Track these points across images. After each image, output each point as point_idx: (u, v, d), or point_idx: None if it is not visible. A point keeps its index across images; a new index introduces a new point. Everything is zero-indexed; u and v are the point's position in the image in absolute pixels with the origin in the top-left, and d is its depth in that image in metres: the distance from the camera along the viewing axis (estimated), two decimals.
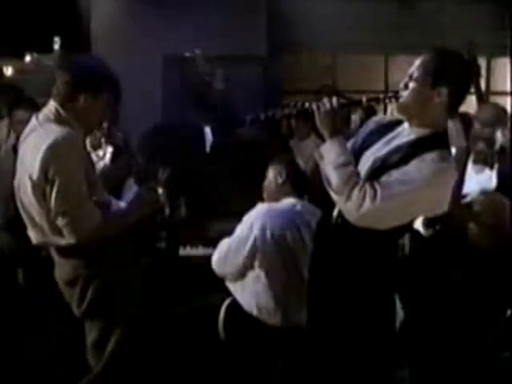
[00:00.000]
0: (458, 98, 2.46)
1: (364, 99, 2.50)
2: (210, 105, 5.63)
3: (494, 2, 6.13)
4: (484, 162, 3.61)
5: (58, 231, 2.62)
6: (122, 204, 2.97)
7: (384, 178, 2.36)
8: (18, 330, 3.87)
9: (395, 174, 2.36)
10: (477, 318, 3.25)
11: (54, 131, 2.60)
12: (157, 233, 3.99)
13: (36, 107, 4.25)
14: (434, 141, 2.42)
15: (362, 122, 3.83)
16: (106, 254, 2.69)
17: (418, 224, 3.44)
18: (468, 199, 3.39)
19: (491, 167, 3.62)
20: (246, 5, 6.06)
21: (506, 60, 6.33)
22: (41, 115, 2.70)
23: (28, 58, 6.04)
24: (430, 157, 2.36)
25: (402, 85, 2.47)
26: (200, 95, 5.68)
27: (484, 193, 3.42)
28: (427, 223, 3.47)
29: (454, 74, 2.42)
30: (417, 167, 2.35)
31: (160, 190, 2.97)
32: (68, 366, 3.38)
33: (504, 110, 3.88)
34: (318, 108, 2.44)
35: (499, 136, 3.60)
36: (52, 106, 2.68)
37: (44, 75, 5.85)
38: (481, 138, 3.57)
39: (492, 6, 6.17)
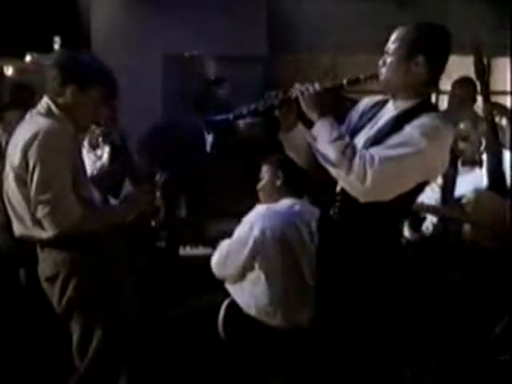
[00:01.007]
0: (437, 66, 2.44)
1: (345, 81, 2.46)
2: (211, 104, 5.63)
3: (494, 1, 6.13)
4: (472, 161, 3.63)
5: (39, 223, 2.63)
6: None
7: (378, 147, 2.33)
8: (18, 330, 3.87)
9: (389, 141, 2.34)
10: (477, 319, 3.25)
11: (40, 123, 2.64)
12: (157, 233, 3.99)
13: (26, 108, 4.28)
14: (419, 109, 2.41)
15: None
16: (89, 251, 2.68)
17: (404, 229, 3.45)
18: (464, 201, 3.41)
19: (480, 166, 3.65)
20: (246, 5, 6.05)
21: (507, 60, 6.33)
22: (34, 110, 2.74)
23: (28, 58, 6.03)
24: (419, 120, 2.35)
25: (380, 62, 2.47)
26: (200, 95, 5.68)
27: (477, 192, 3.44)
28: (413, 227, 3.49)
29: (428, 42, 2.41)
30: (410, 129, 2.33)
31: (157, 193, 2.97)
32: (69, 365, 3.37)
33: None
34: (302, 93, 2.41)
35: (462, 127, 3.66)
36: (44, 101, 2.72)
37: (44, 75, 5.86)
38: (459, 138, 3.61)
39: (492, 5, 6.17)
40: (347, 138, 2.36)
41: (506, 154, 3.72)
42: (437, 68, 2.45)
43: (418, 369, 3.35)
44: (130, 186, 3.56)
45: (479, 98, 4.70)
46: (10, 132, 4.20)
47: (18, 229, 2.74)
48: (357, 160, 2.27)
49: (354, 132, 2.53)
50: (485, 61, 3.97)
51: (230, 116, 2.50)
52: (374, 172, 2.24)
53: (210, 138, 4.96)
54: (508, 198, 3.43)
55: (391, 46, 2.44)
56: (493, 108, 3.86)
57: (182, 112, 5.72)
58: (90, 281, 2.69)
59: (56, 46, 5.96)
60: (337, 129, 2.37)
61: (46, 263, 2.72)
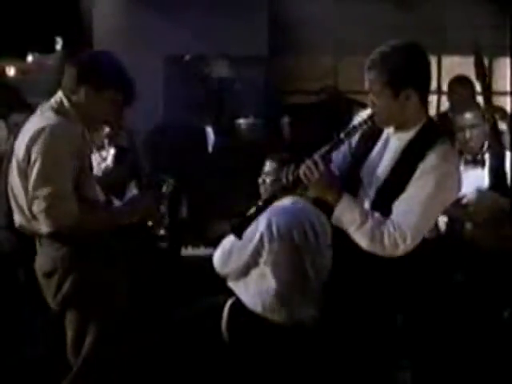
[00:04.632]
0: (425, 88, 2.43)
1: (342, 135, 2.44)
2: (212, 104, 5.64)
3: (494, 1, 6.12)
4: (475, 160, 3.63)
5: (36, 218, 2.62)
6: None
7: (400, 210, 2.37)
8: (17, 329, 3.88)
9: (407, 201, 2.37)
10: (478, 319, 3.26)
11: (49, 118, 2.63)
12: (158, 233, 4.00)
13: (30, 108, 4.29)
14: (424, 137, 2.41)
15: None
16: (87, 249, 2.68)
17: None
18: (464, 200, 3.41)
19: (482, 166, 3.64)
20: (247, 5, 6.05)
21: (507, 60, 6.34)
22: (46, 104, 2.73)
23: (30, 58, 6.05)
24: (430, 162, 2.36)
25: (369, 103, 2.44)
26: (201, 95, 5.69)
27: (479, 192, 3.44)
28: None
29: (411, 71, 2.37)
30: (423, 182, 2.35)
31: (162, 206, 3.00)
32: (67, 364, 3.38)
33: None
34: (309, 179, 2.39)
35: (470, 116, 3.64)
36: (58, 96, 2.72)
37: (46, 75, 5.87)
38: (466, 126, 3.60)
39: (493, 5, 6.16)
40: (370, 220, 2.37)
41: (507, 154, 3.72)
42: (426, 89, 2.44)
43: (419, 370, 3.36)
44: (135, 190, 3.57)
45: (480, 99, 4.73)
46: (16, 133, 4.23)
47: (18, 219, 2.75)
48: (386, 242, 2.35)
49: (358, 157, 2.54)
50: (486, 62, 3.97)
51: (253, 214, 2.52)
52: (407, 246, 2.35)
53: (211, 139, 4.97)
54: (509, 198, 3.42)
55: (373, 86, 2.38)
56: (494, 110, 3.86)
57: (184, 112, 5.73)
58: (86, 278, 2.68)
59: (58, 47, 5.98)
60: (356, 210, 2.39)
61: (44, 258, 2.72)
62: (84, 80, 2.67)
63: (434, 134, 2.44)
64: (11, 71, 6.02)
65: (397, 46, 2.41)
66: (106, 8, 5.97)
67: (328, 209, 2.49)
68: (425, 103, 2.46)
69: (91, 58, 2.79)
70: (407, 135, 2.44)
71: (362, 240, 2.38)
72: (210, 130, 4.97)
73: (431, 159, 2.36)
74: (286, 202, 3.26)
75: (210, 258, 3.37)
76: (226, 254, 3.27)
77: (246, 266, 3.22)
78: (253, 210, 2.50)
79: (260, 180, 3.38)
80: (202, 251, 4.00)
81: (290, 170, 2.45)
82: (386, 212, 2.39)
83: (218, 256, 3.31)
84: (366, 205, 2.47)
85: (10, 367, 3.60)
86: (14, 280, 4.03)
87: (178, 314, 3.39)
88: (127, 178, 3.35)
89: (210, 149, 4.89)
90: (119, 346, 2.78)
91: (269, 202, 2.52)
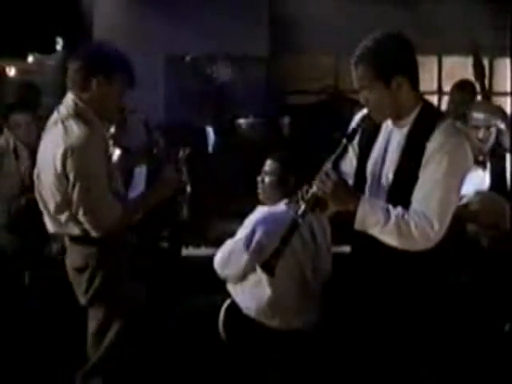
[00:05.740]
0: (414, 71, 2.42)
1: (344, 141, 2.43)
2: (212, 104, 5.64)
3: (494, 2, 6.13)
4: (476, 161, 3.61)
5: (72, 220, 2.69)
6: (132, 195, 3.06)
7: (420, 198, 2.33)
8: (20, 331, 3.88)
9: (424, 187, 2.33)
10: (480, 320, 3.25)
11: (74, 130, 2.63)
12: (159, 233, 4.00)
13: (31, 109, 4.28)
14: (426, 121, 2.40)
15: None
16: (112, 246, 2.75)
17: None
18: (464, 200, 3.40)
19: (484, 168, 3.62)
20: (248, 5, 6.06)
21: (507, 61, 6.34)
22: (62, 108, 2.72)
23: (30, 59, 6.06)
24: (436, 142, 2.33)
25: (362, 99, 2.45)
26: (201, 95, 5.70)
27: (479, 193, 3.43)
28: None
29: (393, 59, 2.37)
30: (434, 164, 2.32)
31: (184, 175, 3.03)
32: (67, 365, 3.38)
33: (498, 108, 3.88)
34: (325, 192, 2.36)
35: (493, 132, 3.58)
36: (70, 98, 2.71)
37: (46, 76, 5.88)
38: (483, 127, 3.54)
39: (493, 6, 6.17)
40: (393, 217, 2.32)
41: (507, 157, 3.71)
42: (415, 73, 2.43)
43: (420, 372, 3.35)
44: (144, 172, 3.58)
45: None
46: (18, 134, 4.23)
47: (51, 227, 2.80)
48: (416, 234, 2.30)
49: (362, 155, 2.53)
50: (486, 62, 3.96)
51: (279, 247, 2.50)
52: (436, 233, 2.30)
53: (211, 139, 4.97)
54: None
55: (363, 82, 2.40)
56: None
57: (184, 112, 5.73)
58: (114, 274, 2.77)
59: (58, 47, 5.99)
60: (376, 210, 2.33)
61: (76, 255, 2.79)
62: (94, 72, 2.67)
63: (434, 115, 2.44)
64: (11, 71, 6.03)
65: (378, 37, 2.42)
66: (107, 8, 5.98)
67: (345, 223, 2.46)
68: (416, 88, 2.44)
69: (92, 49, 2.80)
70: (407, 122, 2.43)
71: (390, 239, 2.33)
72: (210, 130, 4.97)
73: (437, 138, 2.34)
74: (281, 207, 3.24)
75: (210, 258, 3.36)
76: (224, 258, 3.26)
77: (244, 272, 3.21)
78: (277, 243, 2.49)
79: (259, 178, 3.37)
80: (202, 251, 3.99)
81: (303, 190, 2.43)
82: (404, 203, 2.36)
83: (217, 259, 3.31)
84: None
85: (12, 368, 3.61)
86: (18, 282, 4.04)
87: (176, 313, 3.38)
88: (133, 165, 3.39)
89: (210, 149, 4.89)
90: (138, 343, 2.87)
91: (291, 230, 2.49)
